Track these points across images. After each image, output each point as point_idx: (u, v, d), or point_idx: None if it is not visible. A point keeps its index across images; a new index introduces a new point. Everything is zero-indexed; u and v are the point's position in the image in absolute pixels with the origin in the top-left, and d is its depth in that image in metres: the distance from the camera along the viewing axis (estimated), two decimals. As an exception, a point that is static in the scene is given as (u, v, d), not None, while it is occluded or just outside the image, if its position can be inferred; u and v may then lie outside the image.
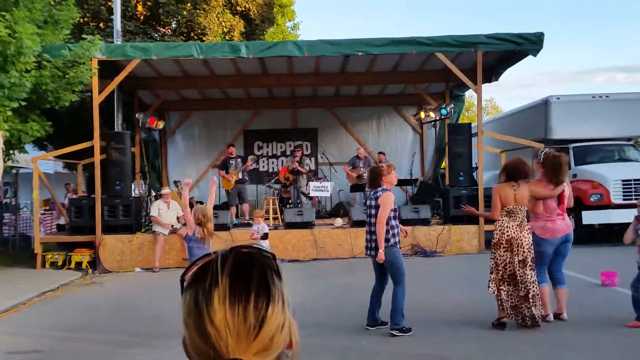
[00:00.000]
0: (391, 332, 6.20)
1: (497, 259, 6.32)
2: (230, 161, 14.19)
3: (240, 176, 14.05)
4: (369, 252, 6.53)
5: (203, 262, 0.97)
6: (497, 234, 6.35)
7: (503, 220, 6.34)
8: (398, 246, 6.39)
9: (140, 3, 18.88)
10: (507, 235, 6.25)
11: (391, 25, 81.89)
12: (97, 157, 12.22)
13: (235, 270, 0.93)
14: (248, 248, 0.98)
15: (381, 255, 6.23)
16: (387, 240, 6.29)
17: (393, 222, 6.36)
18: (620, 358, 5.24)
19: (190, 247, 6.54)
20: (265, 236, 9.39)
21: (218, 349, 0.89)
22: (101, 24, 17.83)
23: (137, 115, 14.47)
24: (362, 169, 14.51)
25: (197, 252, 6.50)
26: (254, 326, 0.89)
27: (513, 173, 6.43)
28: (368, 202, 6.59)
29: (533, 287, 6.21)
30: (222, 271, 0.92)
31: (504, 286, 6.26)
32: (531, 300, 6.18)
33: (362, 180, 13.94)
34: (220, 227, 11.59)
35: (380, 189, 6.42)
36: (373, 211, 6.38)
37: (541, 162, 6.71)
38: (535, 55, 12.26)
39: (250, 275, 0.93)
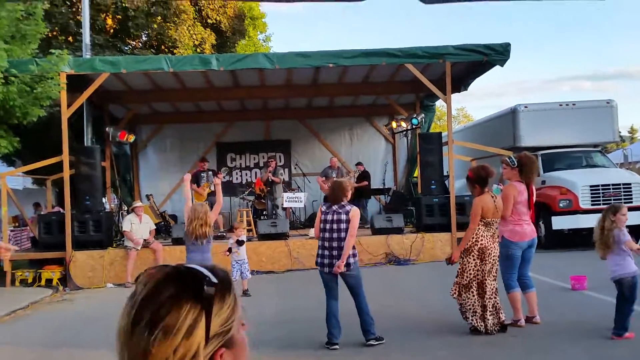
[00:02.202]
0: (368, 343, 6.17)
1: (465, 265, 6.39)
2: (202, 174, 14.13)
3: (212, 189, 13.98)
4: (327, 268, 6.22)
5: (152, 270, 1.03)
6: (470, 241, 6.41)
7: (479, 229, 6.38)
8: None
9: (110, 16, 18.75)
10: (480, 244, 6.33)
11: (362, 37, 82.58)
12: (67, 172, 12.05)
13: (143, 298, 0.99)
14: (175, 268, 1.02)
15: (342, 266, 6.11)
16: (355, 255, 6.28)
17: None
18: (589, 360, 5.33)
19: (187, 246, 6.55)
20: (241, 242, 9.29)
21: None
22: (70, 38, 17.66)
23: (107, 129, 14.32)
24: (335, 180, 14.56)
25: (193, 256, 6.45)
26: (143, 354, 0.95)
27: (486, 179, 6.51)
28: (331, 217, 6.29)
29: (495, 297, 6.35)
30: (133, 297, 1.01)
31: (467, 293, 6.35)
32: (492, 309, 6.30)
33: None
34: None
35: (347, 203, 6.34)
36: (343, 225, 6.18)
37: (516, 167, 6.80)
38: (502, 65, 12.49)
39: (155, 304, 0.97)
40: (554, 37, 78.49)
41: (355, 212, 6.28)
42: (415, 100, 16.27)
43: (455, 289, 6.43)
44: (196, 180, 14.09)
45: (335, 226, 6.25)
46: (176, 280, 0.99)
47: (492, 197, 6.47)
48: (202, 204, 6.79)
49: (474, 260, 6.35)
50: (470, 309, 6.33)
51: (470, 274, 6.35)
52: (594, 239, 6.13)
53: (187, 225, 6.50)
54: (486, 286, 6.31)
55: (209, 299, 0.97)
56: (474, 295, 6.33)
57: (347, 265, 6.17)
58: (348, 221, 6.20)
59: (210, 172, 14.29)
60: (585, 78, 74.93)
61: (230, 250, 9.30)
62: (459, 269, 6.46)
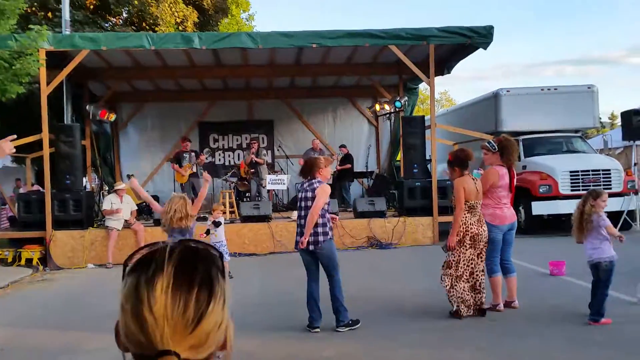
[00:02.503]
0: (337, 329, 6.12)
1: (460, 256, 6.36)
2: (184, 154, 14.02)
3: (194, 170, 13.89)
4: (302, 246, 6.18)
5: (149, 250, 0.96)
6: (460, 231, 6.37)
7: (465, 216, 6.37)
8: (332, 239, 6.27)
9: (90, -8, 18.38)
10: (471, 232, 6.34)
11: (347, 18, 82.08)
12: (47, 151, 11.89)
13: (181, 261, 0.92)
14: (197, 243, 0.98)
15: (304, 242, 6.06)
16: (325, 233, 6.13)
17: (328, 215, 6.26)
18: (567, 345, 5.43)
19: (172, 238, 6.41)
20: (217, 224, 9.18)
21: (152, 337, 0.88)
22: (49, 14, 17.31)
23: (87, 107, 14.11)
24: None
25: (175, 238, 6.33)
26: (193, 320, 0.89)
27: (465, 161, 6.53)
28: (302, 194, 6.29)
29: (481, 276, 6.42)
30: (169, 260, 0.92)
31: (461, 283, 6.37)
32: (477, 288, 6.38)
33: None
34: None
35: (316, 180, 6.21)
36: (309, 203, 6.11)
37: (496, 150, 6.83)
38: (485, 48, 12.51)
39: (195, 269, 0.93)
40: (538, 21, 78.80)
41: (321, 189, 6.11)
42: (398, 83, 16.25)
43: (449, 282, 6.39)
44: (178, 160, 13.98)
45: (303, 204, 6.21)
46: (210, 252, 0.97)
47: (473, 179, 6.50)
48: (181, 195, 6.44)
49: (467, 249, 6.37)
50: (460, 297, 6.37)
51: (464, 264, 6.37)
52: (572, 222, 6.21)
53: (163, 215, 6.17)
54: (474, 268, 6.37)
55: (223, 274, 0.97)
56: (465, 284, 6.37)
57: (316, 243, 6.09)
58: (314, 198, 6.09)
59: (193, 153, 14.18)
60: (569, 63, 75.51)
61: (208, 232, 9.25)
62: (452, 260, 6.40)
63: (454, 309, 6.43)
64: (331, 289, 6.18)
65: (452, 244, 6.39)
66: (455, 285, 6.37)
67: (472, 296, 6.40)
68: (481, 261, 6.44)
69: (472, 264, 6.38)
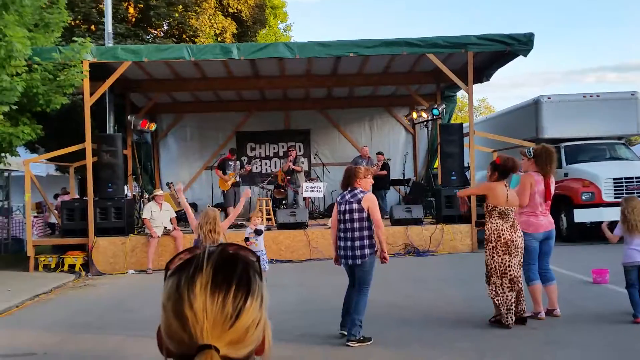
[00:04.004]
0: (347, 344, 5.85)
1: (498, 262, 6.27)
2: (229, 162, 14.24)
3: (237, 179, 14.12)
4: (349, 260, 6.00)
5: (190, 253, 1.01)
6: (492, 238, 6.30)
7: (497, 223, 6.29)
8: (375, 253, 6.04)
9: (132, 5, 18.85)
10: (504, 239, 6.25)
11: (384, 26, 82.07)
12: (89, 160, 12.19)
13: (219, 262, 0.97)
14: (235, 246, 1.02)
15: (387, 257, 6.04)
16: (372, 246, 5.95)
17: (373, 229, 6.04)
18: (610, 356, 5.28)
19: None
20: (259, 232, 9.17)
21: (193, 333, 0.92)
22: (92, 27, 17.79)
23: (128, 117, 14.44)
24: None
25: None
26: (231, 315, 0.92)
27: (508, 172, 6.45)
28: (344, 207, 6.05)
29: (520, 283, 6.31)
30: (208, 261, 0.96)
31: (505, 290, 6.24)
32: (518, 298, 6.28)
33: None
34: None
35: (359, 190, 6.03)
36: (356, 215, 5.94)
37: (533, 157, 6.77)
38: (525, 55, 12.33)
39: (233, 268, 0.97)
40: (579, 27, 77.31)
41: (370, 200, 5.96)
42: (436, 91, 16.15)
43: (492, 290, 6.31)
44: (223, 167, 14.22)
45: (348, 216, 6.02)
46: (239, 253, 1.01)
47: (505, 186, 6.42)
48: (213, 209, 6.49)
49: (501, 256, 6.26)
50: (504, 304, 6.26)
51: (502, 272, 6.26)
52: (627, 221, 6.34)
53: (197, 230, 6.15)
54: (516, 277, 6.26)
55: (261, 276, 1.00)
56: (507, 291, 6.25)
57: (363, 257, 5.94)
58: (361, 210, 5.95)
59: (238, 162, 14.41)
60: (610, 69, 73.70)
61: (247, 239, 9.21)
62: (491, 268, 6.32)
63: (494, 317, 6.32)
64: (357, 301, 5.97)
65: (462, 194, 7.24)
66: (500, 292, 6.26)
67: (516, 305, 6.28)
68: (519, 268, 6.33)
69: (510, 270, 6.25)
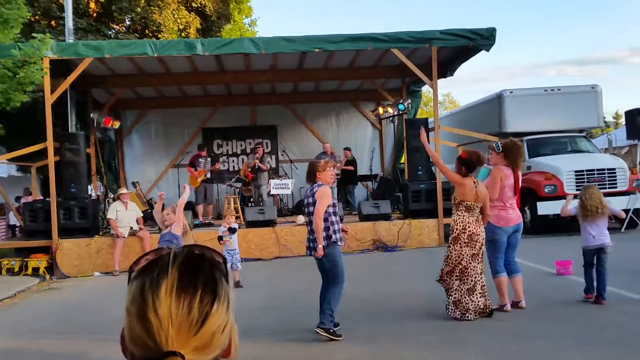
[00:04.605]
0: (316, 330, 5.91)
1: (452, 252, 6.43)
2: (200, 159, 14.13)
3: (208, 176, 14.03)
4: (309, 252, 6.20)
5: (154, 255, 0.98)
6: (457, 229, 6.42)
7: (463, 215, 6.42)
8: (340, 243, 6.11)
9: (93, 0, 18.47)
10: (469, 231, 6.37)
11: (349, 21, 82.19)
12: (51, 159, 11.92)
13: (185, 264, 0.94)
14: (201, 248, 1.00)
15: (320, 251, 5.96)
16: (329, 237, 6.01)
17: (333, 218, 6.10)
18: (576, 346, 5.41)
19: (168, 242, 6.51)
20: (233, 230, 9.14)
21: (158, 339, 0.89)
22: (52, 22, 17.40)
23: (91, 114, 14.17)
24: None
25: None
26: (197, 320, 0.90)
27: (474, 166, 6.54)
28: (305, 201, 6.33)
29: (481, 279, 6.43)
30: (173, 263, 0.94)
31: (452, 279, 6.42)
32: (480, 292, 6.38)
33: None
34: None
35: (317, 184, 6.16)
36: (311, 208, 6.07)
37: (501, 151, 6.88)
38: (488, 50, 12.51)
39: (199, 272, 0.94)
40: (541, 22, 78.75)
41: (320, 192, 6.05)
42: (401, 86, 16.26)
43: (440, 276, 6.52)
44: (193, 164, 14.12)
45: (306, 209, 6.23)
46: (205, 255, 0.99)
47: (474, 182, 6.50)
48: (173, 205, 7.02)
49: (462, 247, 6.39)
50: (452, 295, 6.38)
51: (456, 262, 6.40)
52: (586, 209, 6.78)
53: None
54: (470, 270, 6.36)
55: (227, 278, 0.99)
56: (457, 282, 6.38)
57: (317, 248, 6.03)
58: (315, 202, 6.04)
59: (209, 159, 14.36)
60: (572, 63, 75.36)
61: (220, 238, 9.17)
62: (445, 256, 6.50)
63: (452, 314, 6.44)
64: (328, 295, 6.01)
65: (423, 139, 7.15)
66: (447, 279, 6.41)
67: (470, 299, 6.38)
68: (479, 263, 6.44)
69: (463, 261, 6.36)
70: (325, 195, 6.09)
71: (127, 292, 0.95)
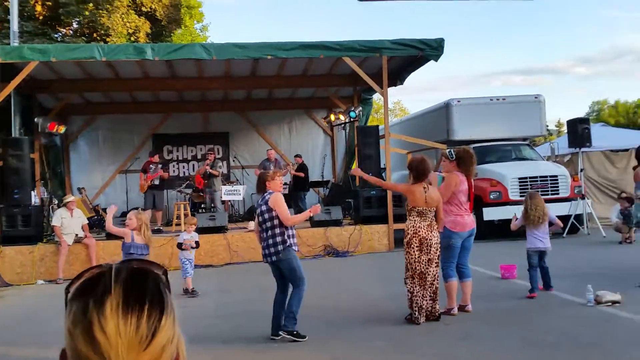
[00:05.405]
0: (280, 332, 6.08)
1: (408, 257, 6.57)
2: (151, 166, 13.91)
3: (156, 182, 13.78)
4: (267, 259, 6.26)
5: (92, 273, 0.96)
6: (408, 233, 6.56)
7: (415, 220, 6.55)
8: (295, 248, 6.25)
9: (39, 3, 18.01)
10: (419, 236, 6.50)
11: (303, 28, 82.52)
12: (-6, 165, 11.55)
13: (129, 280, 0.93)
14: (140, 262, 0.99)
15: (316, 208, 6.50)
16: (284, 242, 6.13)
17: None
18: (522, 348, 5.58)
19: (131, 254, 6.38)
20: (196, 245, 9.21)
21: (107, 357, 0.88)
22: (-5, 24, 16.86)
23: (35, 119, 13.78)
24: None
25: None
26: (146, 336, 0.89)
27: (423, 173, 6.68)
28: (258, 210, 6.43)
29: (436, 282, 6.57)
30: (116, 281, 0.92)
31: (415, 285, 6.53)
32: (433, 295, 6.53)
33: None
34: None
35: (268, 192, 6.31)
36: (266, 215, 6.19)
37: (455, 159, 7.05)
38: (436, 60, 12.81)
39: (144, 287, 0.93)
40: (488, 32, 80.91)
41: (274, 199, 6.19)
42: (353, 94, 16.46)
43: (410, 283, 6.58)
44: (145, 171, 13.88)
45: (260, 218, 6.30)
46: (147, 269, 0.98)
47: (424, 187, 6.62)
48: (140, 211, 6.92)
49: (415, 252, 6.51)
50: (413, 300, 6.50)
51: (412, 266, 6.52)
52: (530, 216, 7.62)
53: (146, 232, 6.53)
54: (427, 275, 6.50)
55: (169, 288, 0.98)
56: (418, 287, 6.50)
57: (276, 253, 6.12)
58: (269, 210, 6.17)
59: (159, 166, 14.10)
60: (516, 72, 77.69)
61: (180, 245, 9.14)
62: (406, 262, 6.59)
63: (409, 315, 6.54)
64: (290, 298, 6.15)
65: (357, 173, 7.66)
66: (409, 284, 6.52)
67: (429, 303, 6.53)
68: (435, 267, 6.58)
69: (419, 266, 6.49)
70: (282, 201, 6.25)
71: (66, 313, 0.93)
